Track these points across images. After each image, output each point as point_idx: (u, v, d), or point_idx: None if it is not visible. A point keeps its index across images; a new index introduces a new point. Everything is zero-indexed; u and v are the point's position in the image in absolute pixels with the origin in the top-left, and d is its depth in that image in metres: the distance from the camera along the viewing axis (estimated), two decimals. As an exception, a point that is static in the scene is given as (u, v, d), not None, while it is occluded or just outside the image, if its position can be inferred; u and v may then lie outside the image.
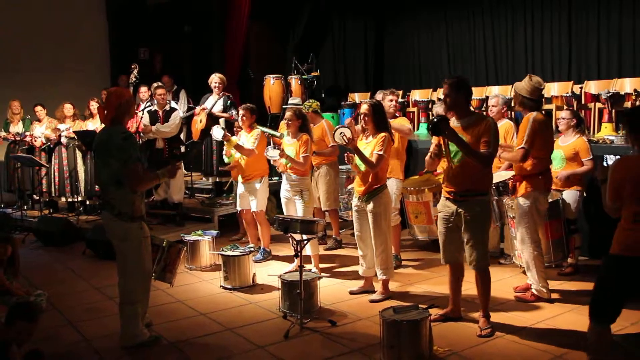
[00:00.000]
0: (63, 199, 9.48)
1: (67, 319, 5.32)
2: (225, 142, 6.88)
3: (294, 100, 7.87)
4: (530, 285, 5.38)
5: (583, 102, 8.16)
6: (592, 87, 8.38)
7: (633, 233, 3.30)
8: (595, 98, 7.93)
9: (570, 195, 5.93)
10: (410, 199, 6.89)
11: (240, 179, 6.96)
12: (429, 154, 4.80)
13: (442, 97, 4.76)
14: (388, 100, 6.38)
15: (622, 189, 3.36)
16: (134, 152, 4.46)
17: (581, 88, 8.43)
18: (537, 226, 5.28)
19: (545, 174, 5.24)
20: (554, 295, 5.36)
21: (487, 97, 8.62)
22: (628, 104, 7.59)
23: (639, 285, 3.32)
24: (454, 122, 4.62)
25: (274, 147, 6.34)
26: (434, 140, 4.74)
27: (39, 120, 9.76)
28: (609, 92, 7.51)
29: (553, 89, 8.84)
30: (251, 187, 6.86)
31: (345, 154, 5.41)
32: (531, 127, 5.06)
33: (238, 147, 6.71)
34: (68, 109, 9.34)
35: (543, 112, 5.47)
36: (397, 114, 6.70)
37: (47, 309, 5.55)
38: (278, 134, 6.29)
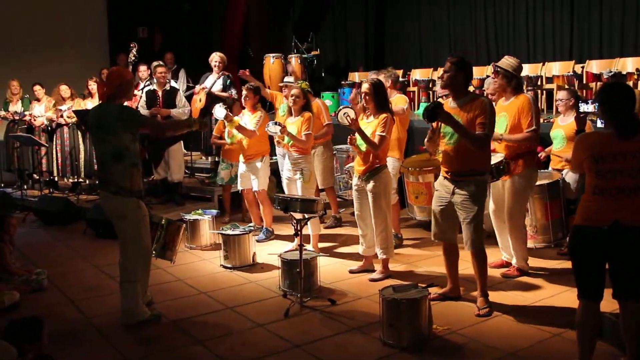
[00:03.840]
0: (66, 180, 9.48)
1: (68, 297, 5.35)
2: (227, 122, 6.85)
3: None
4: (506, 261, 5.59)
5: (584, 81, 8.12)
6: (594, 66, 8.33)
7: (592, 204, 3.44)
8: (597, 77, 7.89)
9: (570, 175, 5.92)
10: (411, 179, 6.88)
11: (241, 158, 6.95)
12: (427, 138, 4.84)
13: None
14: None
15: (583, 163, 3.50)
16: (137, 112, 4.67)
17: (583, 67, 8.38)
18: (527, 200, 5.43)
19: (536, 150, 5.36)
20: (553, 275, 5.40)
21: (487, 77, 8.60)
22: (630, 84, 7.56)
23: (603, 254, 3.41)
24: (450, 103, 4.63)
25: (275, 123, 6.30)
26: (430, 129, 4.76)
27: (38, 100, 9.72)
28: (611, 72, 7.47)
29: (554, 68, 8.79)
30: (252, 166, 6.85)
31: (349, 137, 5.39)
32: (534, 108, 5.11)
33: (240, 128, 6.67)
34: (64, 90, 9.30)
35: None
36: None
37: (48, 287, 5.58)
38: (279, 132, 6.20)
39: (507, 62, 5.22)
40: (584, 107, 4.71)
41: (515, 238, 5.38)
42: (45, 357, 3.52)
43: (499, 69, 5.20)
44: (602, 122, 5.80)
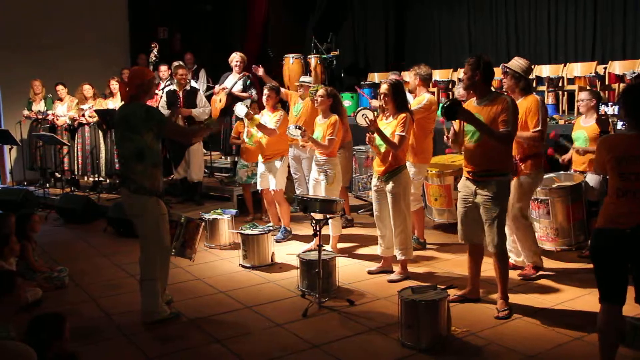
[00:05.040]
0: (86, 178, 9.62)
1: (89, 295, 5.41)
2: (247, 121, 6.86)
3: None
4: (513, 264, 5.49)
5: (607, 82, 8.04)
6: (617, 67, 8.25)
7: (614, 207, 3.41)
8: (620, 79, 7.81)
9: (592, 177, 5.87)
10: (430, 181, 6.85)
11: (260, 158, 6.97)
12: (449, 138, 4.82)
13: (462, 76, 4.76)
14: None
15: (606, 164, 3.47)
16: (162, 115, 4.73)
17: (605, 68, 8.30)
18: (530, 199, 5.52)
19: (542, 152, 5.40)
20: (574, 278, 5.35)
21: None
22: (653, 85, 7.46)
23: (625, 257, 3.37)
24: (474, 102, 4.61)
25: (296, 127, 6.27)
26: (453, 124, 4.73)
27: (61, 99, 9.84)
28: (634, 73, 7.39)
29: (576, 69, 8.71)
30: (271, 166, 6.86)
31: (367, 135, 5.39)
32: (542, 109, 5.14)
33: (260, 126, 6.69)
34: (87, 89, 9.42)
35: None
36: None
37: (69, 285, 5.65)
38: (300, 136, 6.15)
39: (516, 63, 5.22)
40: (604, 109, 4.68)
41: (523, 235, 5.38)
42: (68, 354, 3.56)
43: (507, 70, 5.21)
44: (622, 124, 5.76)
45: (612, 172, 3.43)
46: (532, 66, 8.91)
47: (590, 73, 8.19)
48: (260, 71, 7.81)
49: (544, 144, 5.36)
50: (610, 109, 4.71)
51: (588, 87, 7.75)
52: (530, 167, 5.20)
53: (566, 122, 7.25)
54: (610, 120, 4.65)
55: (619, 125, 6.14)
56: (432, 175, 6.77)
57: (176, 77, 8.25)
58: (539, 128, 5.06)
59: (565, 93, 8.66)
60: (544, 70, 9.05)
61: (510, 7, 10.27)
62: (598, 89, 7.62)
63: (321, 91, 6.25)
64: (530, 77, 8.44)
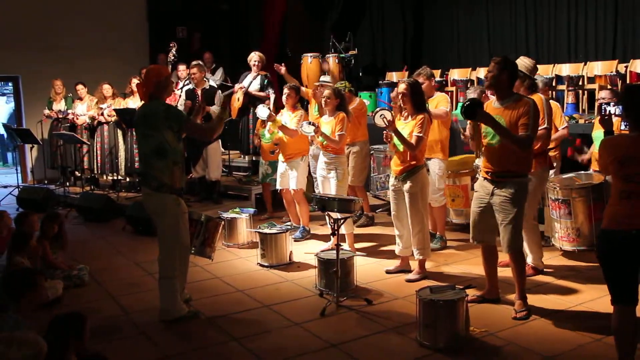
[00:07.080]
0: (106, 177, 9.71)
1: (107, 293, 5.46)
2: (269, 122, 6.88)
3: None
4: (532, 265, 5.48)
5: (628, 81, 7.94)
6: (638, 65, 8.13)
7: (619, 208, 3.39)
8: (642, 77, 7.71)
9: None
10: (448, 181, 6.82)
11: (281, 157, 6.99)
12: (466, 137, 4.81)
13: (482, 76, 4.73)
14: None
15: (609, 166, 3.46)
16: (182, 114, 4.80)
17: (626, 67, 8.19)
18: (539, 199, 5.56)
19: (548, 150, 5.45)
20: (594, 278, 5.28)
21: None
22: (675, 84, 7.36)
23: (633, 258, 3.36)
24: (494, 103, 4.58)
25: (309, 123, 6.31)
26: (469, 123, 4.70)
27: (81, 99, 9.95)
28: (656, 71, 7.29)
29: (597, 68, 8.61)
30: (292, 165, 6.88)
31: (384, 133, 5.38)
32: (547, 107, 5.21)
33: (282, 128, 6.72)
34: (107, 89, 9.51)
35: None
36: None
37: (89, 283, 5.70)
38: (313, 133, 6.22)
39: (521, 62, 5.19)
40: (608, 109, 4.63)
41: (529, 236, 5.33)
42: (94, 354, 3.58)
43: None
44: (625, 125, 5.70)
45: (614, 174, 3.41)
46: (552, 65, 8.90)
47: (611, 72, 8.08)
48: (283, 70, 7.93)
49: (549, 141, 5.36)
50: (614, 109, 4.67)
51: (609, 86, 7.66)
52: (535, 166, 5.12)
53: (586, 122, 7.17)
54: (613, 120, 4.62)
55: (622, 126, 6.07)
56: (449, 176, 6.75)
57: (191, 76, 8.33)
58: (545, 125, 5.10)
59: (586, 92, 8.56)
60: (564, 69, 8.95)
61: (529, 5, 10.17)
62: (619, 88, 7.53)
63: (327, 92, 6.30)
64: (551, 76, 8.43)
